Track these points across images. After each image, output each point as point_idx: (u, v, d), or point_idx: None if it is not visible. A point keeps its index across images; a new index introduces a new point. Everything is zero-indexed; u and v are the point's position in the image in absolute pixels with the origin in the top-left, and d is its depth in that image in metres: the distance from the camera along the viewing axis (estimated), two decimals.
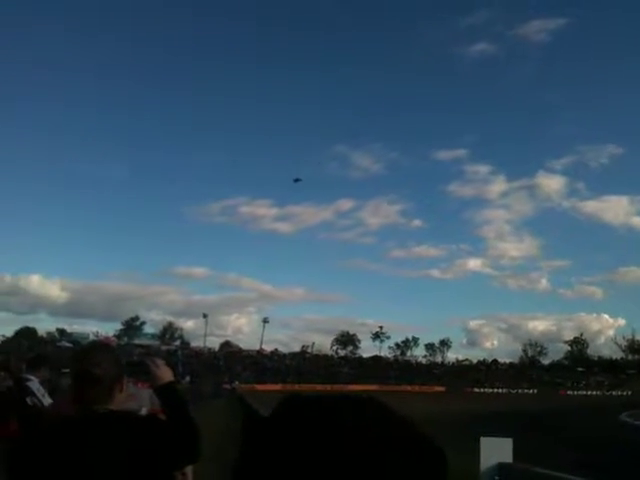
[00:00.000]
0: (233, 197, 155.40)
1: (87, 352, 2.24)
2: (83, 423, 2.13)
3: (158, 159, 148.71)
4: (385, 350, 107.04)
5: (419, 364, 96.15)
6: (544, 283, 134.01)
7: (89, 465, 2.01)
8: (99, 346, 2.39)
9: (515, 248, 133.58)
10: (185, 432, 2.18)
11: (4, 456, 5.24)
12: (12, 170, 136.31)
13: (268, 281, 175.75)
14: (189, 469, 2.97)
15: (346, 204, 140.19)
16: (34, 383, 5.48)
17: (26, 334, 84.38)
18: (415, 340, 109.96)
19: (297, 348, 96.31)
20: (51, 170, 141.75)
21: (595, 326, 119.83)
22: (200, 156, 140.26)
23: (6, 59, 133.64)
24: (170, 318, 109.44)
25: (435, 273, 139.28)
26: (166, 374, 2.31)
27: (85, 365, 2.12)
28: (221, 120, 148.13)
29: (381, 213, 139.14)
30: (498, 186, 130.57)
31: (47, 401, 5.16)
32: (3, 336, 73.64)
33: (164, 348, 78.89)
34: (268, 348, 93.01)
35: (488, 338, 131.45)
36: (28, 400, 5.30)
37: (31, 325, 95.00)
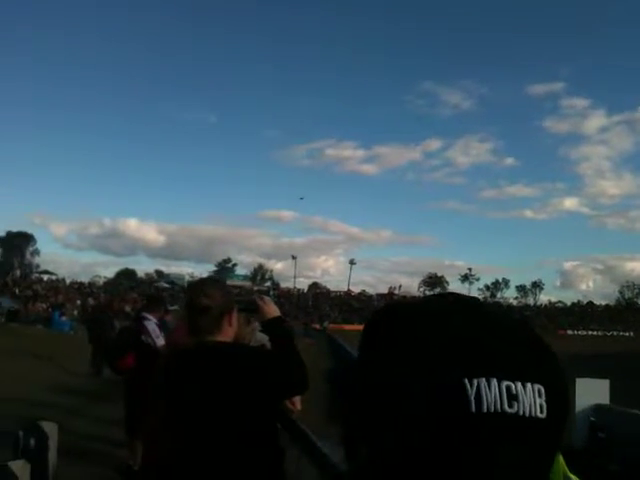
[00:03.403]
0: (319, 140, 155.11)
1: (198, 284, 2.40)
2: (194, 353, 2.28)
3: (245, 104, 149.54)
4: (474, 292, 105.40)
5: (510, 306, 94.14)
6: None
7: (200, 394, 2.16)
8: (210, 280, 2.54)
9: (614, 186, 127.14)
10: (293, 363, 2.29)
11: (122, 386, 5.70)
12: (106, 117, 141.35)
13: (355, 223, 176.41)
14: (297, 399, 3.11)
15: (434, 143, 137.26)
16: (151, 323, 5.83)
17: (126, 275, 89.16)
18: (506, 282, 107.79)
19: (384, 290, 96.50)
20: (145, 116, 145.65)
21: None
22: (287, 100, 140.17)
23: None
24: (260, 260, 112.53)
25: (528, 213, 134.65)
26: (273, 310, 2.43)
27: (195, 295, 2.27)
28: (306, 63, 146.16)
29: (471, 152, 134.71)
30: (597, 121, 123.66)
31: (160, 342, 5.49)
32: (105, 277, 78.06)
33: (255, 289, 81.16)
34: (355, 289, 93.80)
35: (583, 280, 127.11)
36: (143, 338, 5.66)
37: (131, 267, 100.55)
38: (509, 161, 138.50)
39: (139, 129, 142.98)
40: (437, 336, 0.66)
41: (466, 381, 0.62)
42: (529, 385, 0.64)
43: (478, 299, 0.76)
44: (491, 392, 0.62)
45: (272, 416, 2.31)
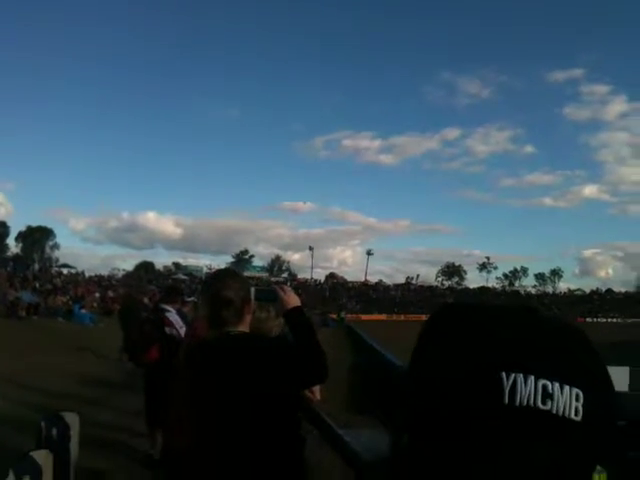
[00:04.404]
0: (337, 131, 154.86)
1: (219, 277, 2.40)
2: (217, 344, 2.29)
3: (264, 97, 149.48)
4: (492, 281, 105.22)
5: (528, 294, 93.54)
6: None
7: (224, 384, 2.16)
8: (229, 271, 2.54)
9: (635, 172, 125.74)
10: (313, 353, 2.28)
11: (143, 377, 5.74)
12: (123, 112, 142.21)
13: (372, 214, 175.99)
14: (317, 388, 3.11)
15: (452, 132, 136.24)
16: (172, 314, 5.86)
17: (145, 268, 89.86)
18: (524, 270, 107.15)
19: (401, 280, 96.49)
20: (162, 111, 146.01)
21: None
22: (305, 92, 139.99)
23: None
24: (278, 251, 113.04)
25: (547, 201, 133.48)
26: (294, 299, 2.42)
27: (217, 288, 2.28)
28: (324, 56, 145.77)
29: (490, 140, 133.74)
30: (618, 107, 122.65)
31: (184, 332, 5.48)
32: (124, 270, 78.81)
33: (273, 280, 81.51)
34: (372, 280, 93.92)
35: (602, 267, 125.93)
36: (167, 330, 5.68)
37: (149, 259, 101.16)
38: (528, 149, 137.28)
39: (157, 124, 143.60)
40: (484, 332, 0.71)
41: (503, 374, 0.66)
42: (567, 387, 0.67)
43: (536, 306, 0.81)
44: (526, 387, 0.66)
45: (293, 405, 2.31)
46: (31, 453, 2.53)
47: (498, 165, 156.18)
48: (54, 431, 3.16)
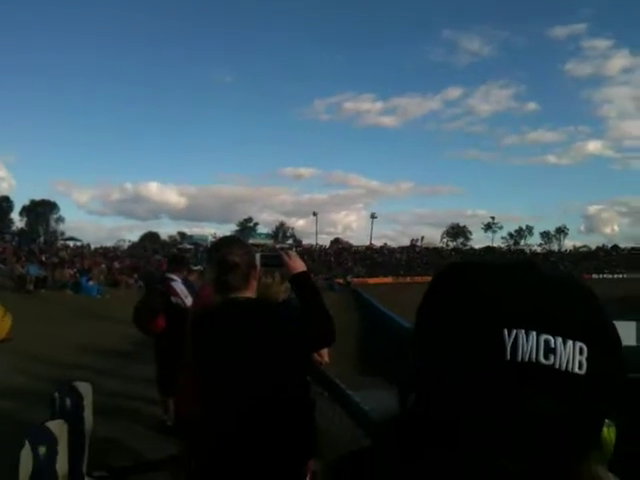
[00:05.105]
0: (338, 94, 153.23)
1: (224, 243, 2.41)
2: (224, 310, 2.30)
3: (262, 61, 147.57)
4: (498, 241, 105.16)
5: (534, 253, 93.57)
6: None
7: (232, 349, 2.18)
8: (234, 238, 2.55)
9: (639, 127, 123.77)
10: (320, 316, 2.30)
11: (153, 346, 5.80)
12: (121, 82, 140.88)
13: (375, 177, 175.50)
14: (325, 352, 3.14)
15: (454, 92, 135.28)
16: (177, 283, 5.88)
17: (150, 238, 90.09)
18: (529, 229, 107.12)
19: (406, 242, 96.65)
20: (161, 79, 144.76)
21: None
22: (303, 55, 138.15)
23: None
24: (282, 218, 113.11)
25: (551, 159, 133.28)
26: (299, 264, 2.43)
27: (223, 254, 2.28)
28: (322, 16, 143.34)
29: (492, 99, 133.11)
30: (620, 61, 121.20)
31: (189, 302, 5.51)
32: (130, 241, 78.97)
33: (278, 247, 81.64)
34: (377, 243, 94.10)
35: (608, 224, 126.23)
36: (172, 299, 5.71)
37: (154, 230, 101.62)
38: (531, 106, 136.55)
39: (156, 92, 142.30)
40: (487, 290, 0.70)
41: (505, 331, 0.65)
42: (570, 342, 0.66)
43: (538, 262, 0.79)
44: (528, 343, 0.65)
45: (302, 369, 2.33)
46: (46, 423, 2.57)
47: (501, 123, 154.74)
48: (68, 401, 3.21)
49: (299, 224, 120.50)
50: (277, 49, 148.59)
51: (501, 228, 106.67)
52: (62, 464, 2.57)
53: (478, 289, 0.71)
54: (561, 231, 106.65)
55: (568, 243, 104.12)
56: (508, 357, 0.65)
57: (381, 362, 10.13)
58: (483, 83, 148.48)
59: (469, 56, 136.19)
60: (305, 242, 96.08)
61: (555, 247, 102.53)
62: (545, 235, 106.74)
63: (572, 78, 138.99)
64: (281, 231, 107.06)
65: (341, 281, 50.94)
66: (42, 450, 2.39)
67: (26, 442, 2.28)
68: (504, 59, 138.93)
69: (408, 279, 62.32)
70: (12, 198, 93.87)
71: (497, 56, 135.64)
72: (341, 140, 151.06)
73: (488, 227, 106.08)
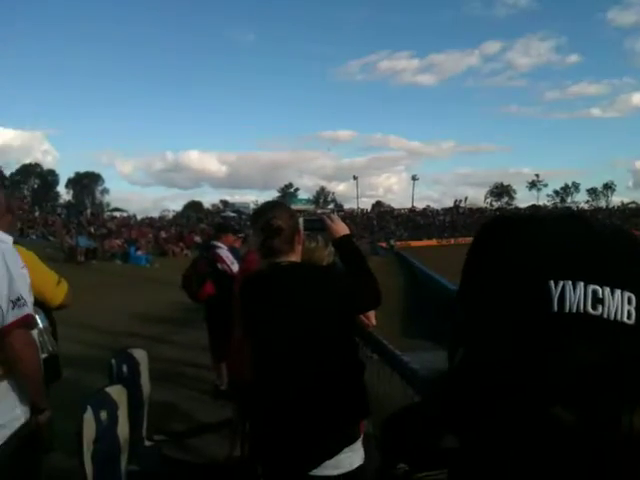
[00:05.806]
0: (372, 53, 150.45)
1: (268, 207, 2.42)
2: (271, 275, 2.32)
3: (293, 23, 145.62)
4: (543, 199, 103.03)
5: (581, 210, 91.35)
6: None
7: (280, 313, 2.21)
8: (276, 203, 2.56)
9: None
10: (365, 278, 2.30)
11: (203, 313, 5.93)
12: (155, 51, 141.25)
13: (415, 138, 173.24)
14: (372, 314, 3.15)
15: (492, 46, 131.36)
16: (223, 250, 5.98)
17: (193, 207, 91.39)
18: (576, 186, 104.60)
19: (449, 204, 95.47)
20: (199, 43, 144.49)
21: None
22: (336, 14, 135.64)
23: None
24: (322, 183, 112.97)
25: (596, 112, 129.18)
26: (342, 227, 2.43)
27: (268, 218, 2.29)
28: None
29: (532, 52, 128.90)
30: None
31: (235, 268, 5.62)
32: (174, 211, 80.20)
33: (319, 211, 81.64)
34: (420, 205, 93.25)
35: None
36: (219, 266, 5.82)
37: (197, 199, 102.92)
38: (573, 58, 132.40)
39: (187, 58, 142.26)
40: (532, 241, 0.70)
41: (552, 282, 0.66)
42: (618, 291, 0.65)
43: (583, 212, 0.77)
44: (575, 294, 0.65)
45: (350, 331, 2.35)
46: (106, 389, 2.66)
47: (542, 77, 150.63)
48: (124, 367, 3.31)
49: (339, 189, 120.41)
50: (309, 9, 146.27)
51: (546, 186, 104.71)
52: (123, 428, 2.67)
53: (523, 240, 0.71)
54: (609, 187, 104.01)
55: (616, 199, 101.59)
56: (555, 309, 0.65)
57: (427, 325, 10.13)
58: (522, 36, 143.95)
59: (507, 8, 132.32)
60: (346, 206, 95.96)
61: (603, 204, 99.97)
62: (592, 192, 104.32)
63: (615, 27, 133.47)
64: (322, 196, 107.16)
65: (384, 245, 50.76)
66: (103, 415, 2.48)
67: (88, 407, 2.36)
68: (543, 10, 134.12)
69: (452, 241, 61.70)
70: (57, 171, 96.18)
71: (536, 7, 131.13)
72: (378, 101, 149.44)
73: (533, 185, 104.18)
